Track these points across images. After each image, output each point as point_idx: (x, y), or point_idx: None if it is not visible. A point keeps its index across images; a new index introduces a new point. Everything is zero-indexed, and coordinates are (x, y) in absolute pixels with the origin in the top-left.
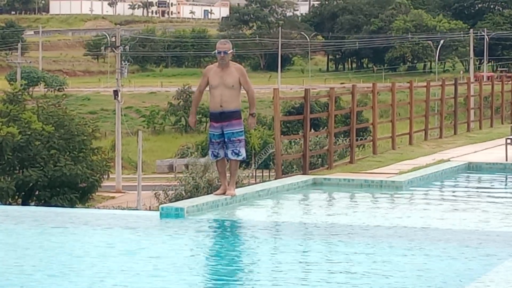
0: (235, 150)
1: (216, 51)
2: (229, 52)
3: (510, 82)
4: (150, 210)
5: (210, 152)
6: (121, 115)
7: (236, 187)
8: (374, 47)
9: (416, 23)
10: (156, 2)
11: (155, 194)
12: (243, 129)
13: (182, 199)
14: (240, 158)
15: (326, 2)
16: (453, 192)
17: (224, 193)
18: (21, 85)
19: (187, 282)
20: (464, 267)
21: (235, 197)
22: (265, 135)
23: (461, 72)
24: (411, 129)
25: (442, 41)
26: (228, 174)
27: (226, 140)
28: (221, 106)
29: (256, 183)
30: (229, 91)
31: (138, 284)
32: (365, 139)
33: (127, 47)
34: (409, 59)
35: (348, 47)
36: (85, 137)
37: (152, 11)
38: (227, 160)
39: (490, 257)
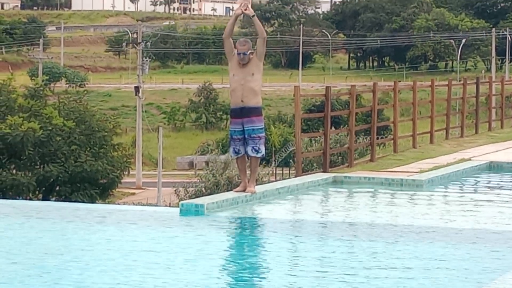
0: (255, 147)
1: (236, 51)
2: (248, 52)
3: None
4: (170, 206)
5: (231, 149)
6: (142, 111)
7: (256, 185)
8: (395, 45)
9: (438, 22)
10: None
11: (175, 190)
12: (263, 126)
13: (202, 196)
14: (259, 155)
15: (348, 0)
16: (474, 191)
17: (244, 190)
18: (43, 80)
19: (205, 278)
20: (484, 266)
21: (255, 195)
22: (286, 133)
23: (483, 71)
24: (432, 128)
25: (464, 40)
26: (248, 171)
27: (246, 136)
28: (242, 101)
29: (276, 181)
30: (250, 83)
31: (156, 279)
32: (386, 137)
33: (148, 43)
34: (431, 58)
35: (370, 45)
36: (106, 133)
37: (173, 8)
38: (248, 157)
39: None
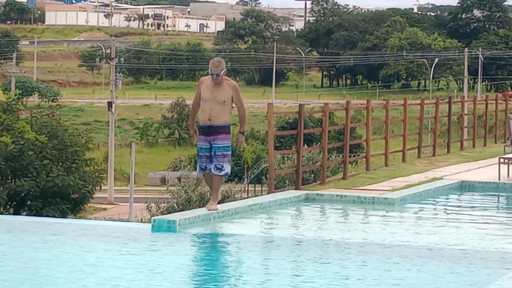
0: (217, 165)
1: (209, 71)
2: (221, 73)
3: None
4: (141, 222)
5: (198, 166)
6: (115, 126)
7: (228, 201)
8: (368, 64)
9: (411, 41)
10: (152, 15)
11: (147, 206)
12: (229, 145)
13: (174, 212)
14: (222, 173)
15: (322, 18)
16: (445, 210)
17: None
18: (15, 94)
19: None
20: (455, 286)
21: (227, 211)
22: (258, 150)
23: (455, 90)
24: (404, 146)
25: (436, 60)
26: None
27: (212, 154)
28: (209, 120)
29: (248, 198)
30: (220, 107)
31: None
32: (358, 155)
33: (122, 59)
34: (404, 77)
35: (343, 64)
36: (78, 148)
37: (147, 24)
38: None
39: (481, 276)
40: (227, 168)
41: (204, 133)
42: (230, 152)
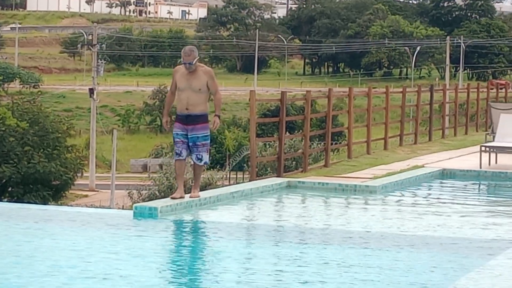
0: (198, 155)
1: (182, 60)
2: (194, 61)
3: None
4: (123, 209)
5: (174, 152)
6: (96, 113)
7: (210, 189)
8: (350, 51)
9: (393, 29)
10: (133, 1)
11: (128, 193)
12: (208, 134)
13: (155, 199)
14: (202, 163)
15: (304, 6)
16: (427, 198)
17: (181, 197)
18: None
19: (157, 282)
20: (436, 273)
21: (209, 198)
22: (240, 137)
23: (437, 79)
24: (386, 134)
25: (418, 48)
26: (189, 177)
27: (191, 144)
28: (187, 109)
29: (230, 185)
30: (196, 95)
31: (109, 283)
32: (340, 143)
33: (103, 45)
34: (385, 65)
35: (325, 51)
36: (60, 135)
37: (129, 10)
38: (193, 163)
39: (462, 263)
40: (206, 158)
41: (182, 122)
42: (208, 141)
